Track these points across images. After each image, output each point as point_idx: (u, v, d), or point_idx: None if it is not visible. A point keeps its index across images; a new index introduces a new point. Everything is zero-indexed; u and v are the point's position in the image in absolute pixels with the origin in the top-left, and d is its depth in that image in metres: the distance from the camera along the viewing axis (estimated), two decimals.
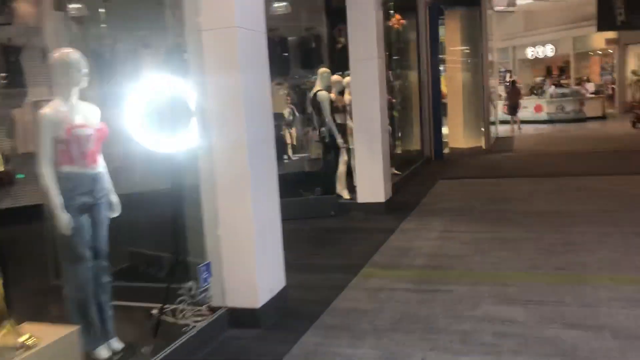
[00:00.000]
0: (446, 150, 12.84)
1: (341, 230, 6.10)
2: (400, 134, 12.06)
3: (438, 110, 12.01)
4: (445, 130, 13.58)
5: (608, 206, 6.34)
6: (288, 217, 4.29)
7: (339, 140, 7.18)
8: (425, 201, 7.44)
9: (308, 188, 7.40)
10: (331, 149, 7.34)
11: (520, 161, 10.95)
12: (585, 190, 7.37)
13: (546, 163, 10.41)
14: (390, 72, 11.28)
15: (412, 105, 11.95)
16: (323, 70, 7.42)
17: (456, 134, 13.21)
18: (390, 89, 11.16)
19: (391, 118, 10.70)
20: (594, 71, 25.12)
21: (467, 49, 13.16)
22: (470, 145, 13.00)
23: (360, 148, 6.85)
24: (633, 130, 15.31)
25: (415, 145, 11.94)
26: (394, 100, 10.86)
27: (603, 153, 11.26)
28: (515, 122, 18.41)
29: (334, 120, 7.34)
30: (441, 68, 13.33)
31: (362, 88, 6.76)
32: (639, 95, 16.44)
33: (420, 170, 10.52)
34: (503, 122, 21.88)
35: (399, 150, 12.03)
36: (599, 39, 23.15)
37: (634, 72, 21.82)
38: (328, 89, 7.46)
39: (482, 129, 13.01)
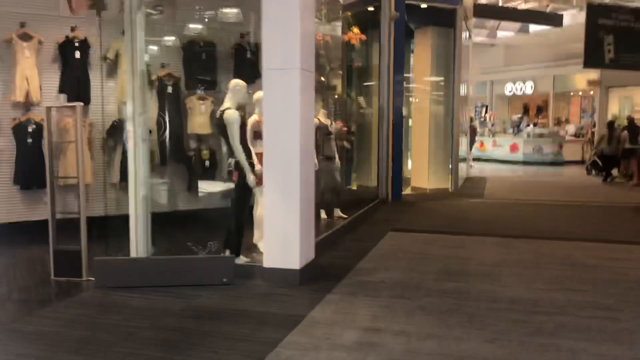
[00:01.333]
0: (407, 191, 11.04)
1: (218, 317, 4.13)
2: (354, 169, 10.25)
3: (399, 143, 10.23)
4: (408, 166, 11.83)
5: (607, 298, 4.53)
6: (165, 282, 3.74)
7: (250, 178, 5.28)
8: (362, 266, 5.54)
9: (205, 238, 5.46)
10: (242, 189, 5.43)
11: (491, 212, 9.17)
12: (571, 266, 5.57)
13: (522, 217, 8.64)
14: (347, 97, 9.51)
15: (371, 136, 10.17)
16: (235, 82, 5.57)
17: (420, 172, 11.45)
18: (346, 116, 9.38)
19: (342, 150, 8.92)
20: (574, 112, 23.86)
21: (438, 78, 11.48)
22: (435, 186, 11.23)
23: (270, 189, 4.95)
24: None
25: (372, 182, 10.12)
26: (345, 129, 9.05)
27: (588, 208, 9.58)
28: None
29: (251, 149, 5.51)
30: (408, 96, 11.66)
31: (275, 108, 4.90)
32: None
33: (371, 214, 8.67)
34: (478, 159, 20.39)
35: (354, 187, 10.20)
36: (581, 80, 21.90)
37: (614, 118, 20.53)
38: (242, 107, 5.61)
39: (450, 169, 11.26)
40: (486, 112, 22.90)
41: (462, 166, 14.57)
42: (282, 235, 4.89)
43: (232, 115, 5.29)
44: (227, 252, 5.29)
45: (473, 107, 27.85)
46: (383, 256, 6.02)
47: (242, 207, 5.46)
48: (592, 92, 21.86)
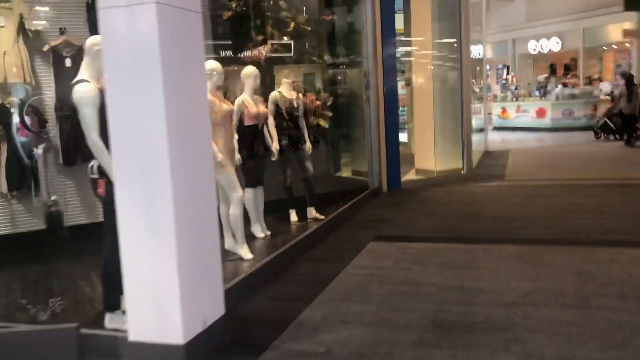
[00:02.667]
0: (409, 176, 8.96)
1: None
2: (344, 152, 8.21)
3: (393, 119, 8.14)
4: (412, 146, 9.74)
5: None
6: None
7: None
8: (307, 317, 3.57)
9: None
10: (113, 207, 3.45)
11: (513, 202, 7.04)
12: None
13: (554, 206, 6.51)
14: (326, 65, 7.48)
15: (362, 113, 8.11)
16: (94, 40, 3.56)
17: (425, 151, 9.32)
18: (325, 87, 7.37)
19: (317, 129, 6.94)
20: (608, 69, 21.19)
21: (441, 40, 9.25)
22: (444, 168, 9.11)
23: (125, 218, 2.97)
24: None
25: (363, 168, 8.10)
26: (317, 103, 7.02)
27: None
28: None
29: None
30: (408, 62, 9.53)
31: (121, 76, 2.89)
32: None
33: (355, 211, 6.67)
34: (500, 129, 18.08)
35: (346, 174, 8.19)
36: (615, 31, 19.24)
37: None
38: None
39: (462, 145, 9.11)
40: (507, 74, 20.44)
41: (479, 139, 12.40)
42: (151, 294, 2.93)
43: (84, 91, 3.31)
44: (107, 315, 3.36)
45: (494, 70, 25.38)
46: (347, 292, 4.02)
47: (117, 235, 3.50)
48: (628, 45, 19.22)
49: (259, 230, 5.80)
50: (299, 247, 5.06)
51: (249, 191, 5.75)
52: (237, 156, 5.65)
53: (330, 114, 7.32)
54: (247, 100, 5.67)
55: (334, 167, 8.03)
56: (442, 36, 9.08)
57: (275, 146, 6.13)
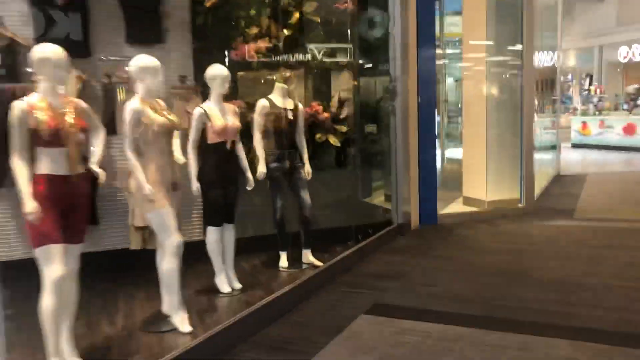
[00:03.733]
0: (452, 207, 7.29)
1: None
2: (366, 174, 6.70)
3: (430, 137, 6.52)
4: (460, 169, 8.05)
5: None
6: None
7: None
8: None
9: None
10: None
11: (580, 254, 5.23)
12: None
13: (639, 269, 4.68)
14: (343, 67, 6.04)
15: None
16: None
17: (474, 178, 7.60)
18: (344, 99, 5.94)
19: (311, 141, 5.56)
20: None
21: (500, 45, 7.48)
22: (497, 197, 7.34)
23: None
24: None
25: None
26: (325, 116, 5.58)
27: None
28: None
29: None
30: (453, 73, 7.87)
31: None
32: None
33: (363, 257, 5.14)
34: (579, 146, 15.77)
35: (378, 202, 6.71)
36: None
37: None
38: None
39: (520, 173, 7.29)
40: (590, 84, 18.01)
41: (550, 159, 10.43)
42: None
43: None
44: None
45: (578, 80, 22.80)
46: None
47: None
48: None
49: (225, 284, 4.42)
50: (255, 319, 3.60)
51: (212, 231, 4.39)
52: (195, 185, 4.29)
53: (345, 128, 5.81)
54: (209, 110, 4.29)
55: (363, 192, 6.50)
56: (500, 41, 7.32)
57: (260, 169, 4.75)
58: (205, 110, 4.25)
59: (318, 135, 5.69)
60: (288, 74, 5.42)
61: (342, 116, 5.79)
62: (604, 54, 20.84)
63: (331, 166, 5.80)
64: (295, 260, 5.01)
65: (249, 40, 5.34)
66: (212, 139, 4.27)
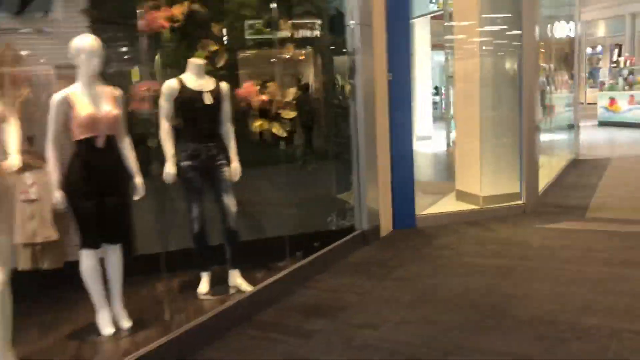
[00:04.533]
0: (442, 206, 6.12)
1: None
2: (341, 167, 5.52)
3: (404, 124, 5.35)
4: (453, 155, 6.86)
5: None
6: None
7: None
8: None
9: None
10: None
11: (586, 272, 4.00)
12: None
13: None
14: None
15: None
16: None
17: (467, 167, 6.39)
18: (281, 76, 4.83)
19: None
20: None
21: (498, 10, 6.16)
22: (495, 192, 6.11)
23: None
24: None
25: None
26: (262, 99, 4.48)
27: None
28: None
29: None
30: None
31: None
32: None
33: (304, 281, 4.04)
34: (606, 124, 14.24)
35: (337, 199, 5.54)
36: None
37: None
38: None
39: (520, 164, 6.02)
40: (619, 55, 16.35)
41: (562, 142, 9.09)
42: None
43: None
44: None
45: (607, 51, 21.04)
46: None
47: None
48: None
49: (107, 323, 3.38)
50: None
51: (86, 256, 3.35)
52: (56, 195, 3.25)
53: (293, 114, 4.64)
54: (73, 96, 3.23)
55: (338, 186, 5.37)
56: (496, 6, 6.02)
57: (167, 169, 3.74)
58: (66, 96, 3.18)
59: (257, 123, 4.54)
60: (214, 47, 4.32)
61: (287, 99, 4.63)
62: (637, 23, 19.04)
63: (276, 161, 4.67)
64: (221, 283, 3.97)
65: (161, 4, 4.22)
66: (77, 133, 3.20)
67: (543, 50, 9.73)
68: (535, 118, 5.94)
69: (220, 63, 4.38)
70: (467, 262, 4.36)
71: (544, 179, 7.09)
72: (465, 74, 6.35)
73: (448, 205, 6.32)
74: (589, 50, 22.57)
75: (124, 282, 3.40)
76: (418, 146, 11.70)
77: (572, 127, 9.41)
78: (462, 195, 6.49)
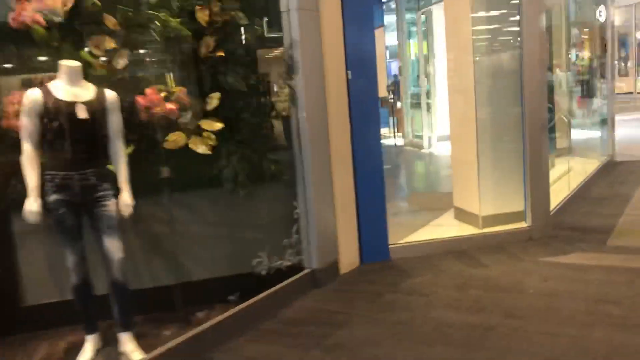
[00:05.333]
0: (437, 225, 5.07)
1: None
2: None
3: (371, 135, 4.31)
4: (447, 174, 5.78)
5: None
6: None
7: None
8: None
9: None
10: None
11: (603, 345, 2.88)
12: None
13: None
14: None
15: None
16: None
17: (465, 181, 5.30)
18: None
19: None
20: None
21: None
22: (496, 211, 4.99)
23: None
24: None
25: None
26: (171, 108, 3.52)
27: None
28: None
29: None
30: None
31: None
32: None
33: (204, 349, 3.08)
34: None
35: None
36: None
37: None
38: None
39: (524, 180, 4.85)
40: None
41: (590, 143, 7.82)
42: None
43: None
44: None
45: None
46: None
47: None
48: None
49: None
50: None
51: None
52: None
53: (218, 125, 3.67)
54: None
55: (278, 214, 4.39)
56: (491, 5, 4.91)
57: (29, 206, 2.91)
58: None
59: (172, 139, 3.60)
60: (110, 45, 3.42)
61: (210, 106, 3.67)
62: None
63: (197, 186, 3.74)
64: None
65: None
66: None
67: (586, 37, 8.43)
68: (543, 117, 4.76)
69: (120, 64, 3.46)
70: (434, 318, 3.30)
71: (563, 190, 5.89)
72: (457, 65, 5.25)
73: (444, 226, 5.26)
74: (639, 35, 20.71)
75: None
76: (438, 147, 10.64)
77: (604, 122, 8.08)
78: (460, 214, 5.41)
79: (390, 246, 4.48)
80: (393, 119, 13.06)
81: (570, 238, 4.56)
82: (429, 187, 8.10)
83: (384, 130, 13.58)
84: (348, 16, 4.14)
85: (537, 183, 4.71)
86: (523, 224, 4.79)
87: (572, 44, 8.85)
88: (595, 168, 7.09)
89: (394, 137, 12.65)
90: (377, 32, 15.36)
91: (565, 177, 6.60)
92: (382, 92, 14.28)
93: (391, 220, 4.52)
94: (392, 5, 11.77)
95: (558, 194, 5.79)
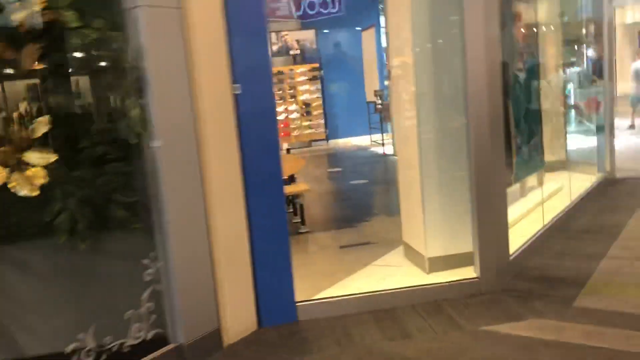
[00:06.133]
0: (387, 265, 4.14)
1: None
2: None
3: (269, 162, 3.37)
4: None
5: None
6: None
7: None
8: None
9: None
10: None
11: None
12: None
13: None
14: None
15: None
16: None
17: (411, 214, 4.36)
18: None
19: None
20: None
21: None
22: (446, 252, 4.02)
23: None
24: None
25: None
26: None
27: None
28: None
29: None
30: None
31: None
32: None
33: None
34: None
35: None
36: None
37: None
38: None
39: (473, 216, 3.86)
40: None
41: (590, 150, 6.83)
42: None
43: None
44: None
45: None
46: None
47: None
48: None
49: None
50: None
51: None
52: None
53: (48, 158, 2.78)
54: None
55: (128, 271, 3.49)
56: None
57: None
58: None
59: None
60: None
61: (35, 134, 2.79)
62: None
63: (20, 236, 2.86)
64: None
65: None
66: None
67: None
68: (496, 137, 3.76)
69: None
70: None
71: (537, 222, 4.88)
72: (401, 77, 4.29)
73: (391, 266, 4.37)
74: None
75: None
76: None
77: (601, 130, 7.00)
78: (409, 252, 4.46)
79: (298, 304, 3.54)
80: (382, 125, 12.13)
81: (530, 293, 3.56)
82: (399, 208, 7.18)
83: (376, 137, 12.68)
84: (233, 15, 3.22)
85: (487, 222, 3.71)
86: (472, 275, 3.80)
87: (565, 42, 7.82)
88: (585, 189, 6.03)
89: (383, 145, 11.72)
90: (368, 33, 14.40)
91: (539, 208, 5.63)
92: (370, 96, 13.38)
93: (332, 257, 3.62)
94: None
95: (533, 225, 4.80)
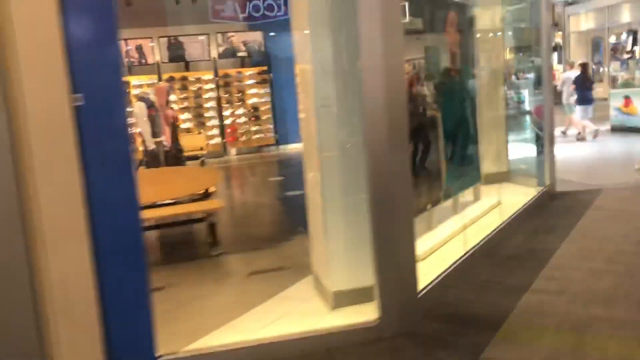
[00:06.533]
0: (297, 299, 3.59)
1: None
2: None
3: (121, 181, 2.79)
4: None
5: None
6: None
7: None
8: None
9: None
10: None
11: None
12: None
13: None
14: None
15: None
16: None
17: (317, 237, 3.83)
18: None
19: None
20: None
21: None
22: (354, 285, 3.51)
23: None
24: None
25: None
26: None
27: None
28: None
29: None
30: None
31: None
32: None
33: None
34: (619, 130, 11.24)
35: None
36: None
37: None
38: None
39: (373, 247, 3.35)
40: (635, 44, 13.31)
41: (530, 161, 6.44)
42: None
43: None
44: None
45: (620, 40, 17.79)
46: None
47: None
48: None
49: None
50: None
51: None
52: None
53: None
54: None
55: None
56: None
57: None
58: None
59: None
60: None
61: None
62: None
63: None
64: None
65: None
66: None
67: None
68: (401, 150, 3.25)
69: None
70: None
71: (461, 244, 4.41)
72: (303, 78, 3.78)
73: (293, 299, 3.88)
74: (612, 39, 19.35)
75: None
76: None
77: (539, 140, 6.59)
78: (317, 283, 3.95)
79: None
80: None
81: (436, 339, 3.07)
82: None
83: None
84: (71, 7, 2.64)
85: (388, 254, 3.20)
86: (373, 317, 3.28)
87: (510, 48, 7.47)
88: (522, 205, 5.61)
89: None
90: None
91: (494, 214, 5.21)
92: None
93: (236, 286, 3.08)
94: None
95: (461, 246, 4.34)
